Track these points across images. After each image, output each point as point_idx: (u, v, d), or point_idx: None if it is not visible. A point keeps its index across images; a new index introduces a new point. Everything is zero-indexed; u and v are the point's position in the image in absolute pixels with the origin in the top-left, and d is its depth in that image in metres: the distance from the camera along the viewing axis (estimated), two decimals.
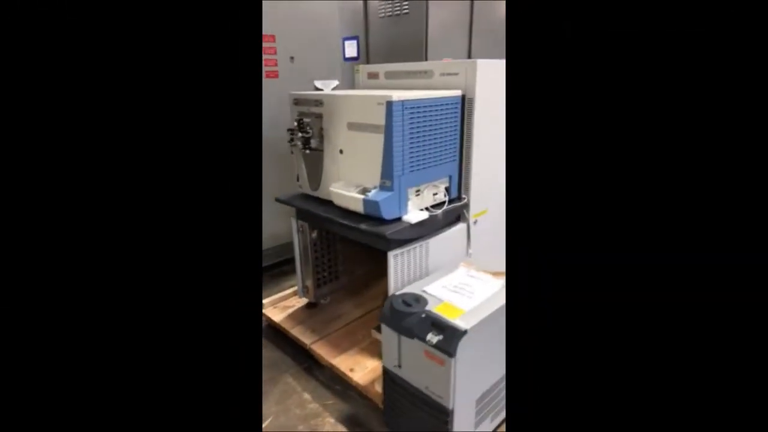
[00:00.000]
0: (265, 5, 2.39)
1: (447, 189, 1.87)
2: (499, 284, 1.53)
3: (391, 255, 1.65)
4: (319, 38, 2.77)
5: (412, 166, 1.66)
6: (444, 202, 1.84)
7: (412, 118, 1.59)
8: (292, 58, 2.64)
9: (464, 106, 1.82)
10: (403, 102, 1.54)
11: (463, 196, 1.94)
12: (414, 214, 1.70)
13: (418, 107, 1.61)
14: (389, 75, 2.12)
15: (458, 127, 1.82)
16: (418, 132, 1.64)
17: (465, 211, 1.94)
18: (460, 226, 1.95)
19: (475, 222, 2.00)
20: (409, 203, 1.71)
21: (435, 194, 1.82)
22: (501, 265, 2.14)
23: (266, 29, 2.50)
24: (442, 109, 1.71)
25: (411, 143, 1.62)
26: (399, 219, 1.67)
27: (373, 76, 2.21)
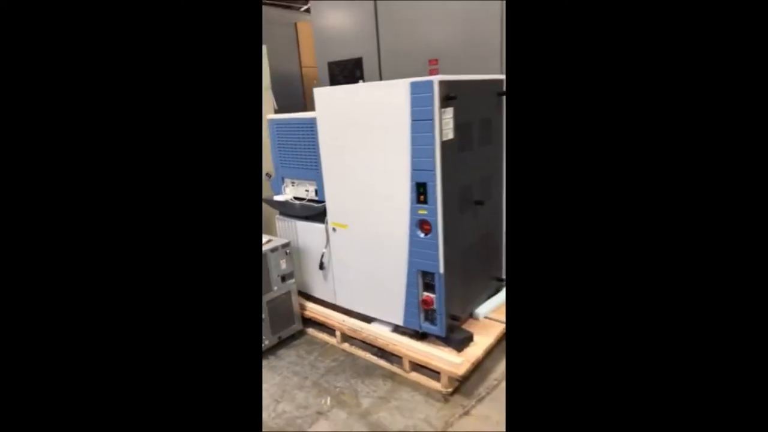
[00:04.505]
0: (427, 32, 3.12)
1: (316, 191, 2.33)
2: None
3: (275, 216, 2.59)
4: (482, 57, 2.89)
5: (282, 163, 2.44)
6: (303, 198, 2.36)
7: (276, 131, 2.39)
8: None
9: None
10: (270, 119, 2.40)
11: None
12: (282, 196, 2.48)
13: (279, 124, 2.35)
14: None
15: (315, 144, 2.21)
16: (280, 141, 2.38)
17: (326, 213, 2.28)
18: (320, 225, 2.32)
19: (333, 229, 2.24)
20: (287, 189, 2.49)
21: (306, 190, 2.38)
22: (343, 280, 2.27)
23: (431, 54, 3.13)
24: (297, 128, 2.27)
25: (279, 147, 2.42)
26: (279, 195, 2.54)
27: None
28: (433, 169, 1.78)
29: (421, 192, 1.84)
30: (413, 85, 1.73)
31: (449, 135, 1.80)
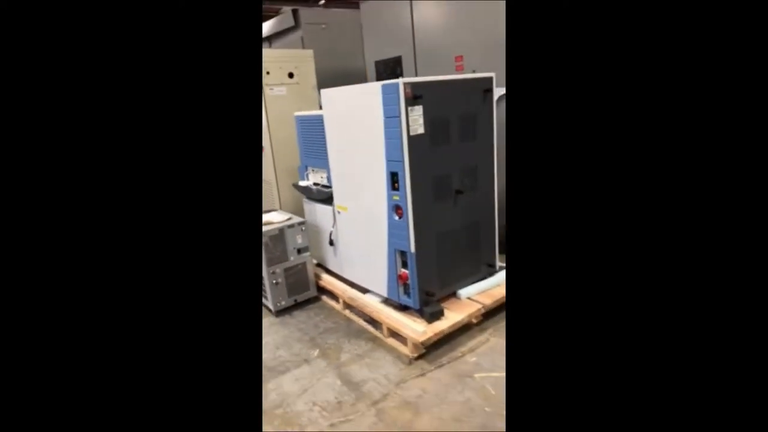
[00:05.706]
0: (455, 33, 3.30)
1: (327, 177, 2.70)
2: (284, 216, 2.68)
3: (303, 199, 3.03)
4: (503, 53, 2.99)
5: (306, 153, 2.85)
6: (320, 184, 2.75)
7: (300, 125, 2.80)
8: (474, 71, 3.21)
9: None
10: (295, 116, 2.82)
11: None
12: (304, 182, 2.90)
13: (302, 120, 2.76)
14: None
15: (324, 137, 2.57)
16: (303, 134, 2.79)
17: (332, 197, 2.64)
18: (330, 208, 2.69)
19: (338, 212, 2.60)
20: (309, 175, 2.90)
21: (322, 177, 2.77)
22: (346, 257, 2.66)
23: (456, 51, 3.29)
24: (313, 123, 2.65)
25: (302, 139, 2.83)
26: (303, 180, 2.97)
27: None
28: (402, 160, 2.03)
29: (394, 180, 2.11)
30: (384, 86, 2.00)
31: (419, 130, 2.04)
